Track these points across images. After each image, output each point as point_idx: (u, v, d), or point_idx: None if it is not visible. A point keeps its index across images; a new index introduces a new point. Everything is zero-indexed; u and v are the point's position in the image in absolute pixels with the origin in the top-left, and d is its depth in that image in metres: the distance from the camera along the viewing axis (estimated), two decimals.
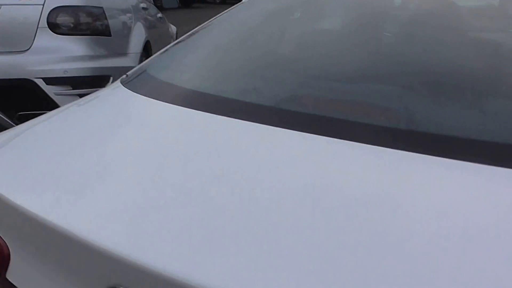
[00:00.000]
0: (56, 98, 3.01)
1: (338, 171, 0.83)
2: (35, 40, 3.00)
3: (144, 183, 0.84)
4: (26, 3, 3.00)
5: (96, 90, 3.21)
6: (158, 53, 1.54)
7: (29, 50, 2.99)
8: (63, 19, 3.07)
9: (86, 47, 3.15)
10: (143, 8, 4.35)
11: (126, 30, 3.68)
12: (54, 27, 3.04)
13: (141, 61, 3.75)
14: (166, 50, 1.52)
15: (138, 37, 3.83)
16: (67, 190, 0.85)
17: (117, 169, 0.91)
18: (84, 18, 3.15)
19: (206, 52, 1.49)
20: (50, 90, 2.98)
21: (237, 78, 1.31)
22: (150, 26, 4.35)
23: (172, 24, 6.38)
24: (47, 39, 3.02)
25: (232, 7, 1.75)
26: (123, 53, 3.52)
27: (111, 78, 3.30)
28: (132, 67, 3.59)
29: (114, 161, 0.94)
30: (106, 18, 3.29)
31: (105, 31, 3.29)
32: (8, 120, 3.01)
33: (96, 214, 0.78)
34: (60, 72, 3.00)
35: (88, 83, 3.14)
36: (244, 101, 1.12)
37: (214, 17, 1.70)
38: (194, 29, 1.62)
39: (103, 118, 1.20)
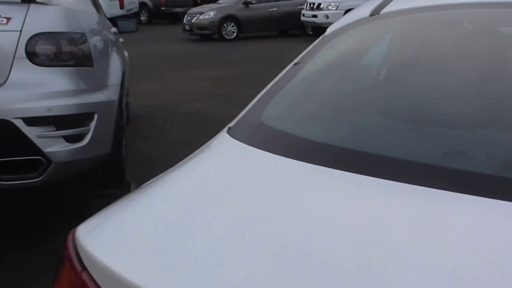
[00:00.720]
0: (38, 142, 2.51)
1: None
2: (11, 72, 2.50)
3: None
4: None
5: (81, 130, 2.77)
6: (265, 97, 1.18)
7: (4, 85, 2.49)
8: (43, 47, 2.59)
9: (70, 80, 2.68)
10: (114, 33, 3.90)
11: (106, 59, 3.23)
12: (33, 57, 2.55)
13: (119, 93, 3.29)
14: (280, 94, 1.17)
15: (116, 66, 3.38)
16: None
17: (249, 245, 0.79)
18: (66, 47, 2.68)
19: (336, 96, 1.16)
20: (32, 133, 2.48)
21: (393, 130, 1.04)
22: (121, 53, 3.91)
23: None
24: (26, 72, 2.52)
25: (329, 34, 1.41)
26: (104, 85, 3.07)
27: (96, 115, 2.84)
28: (113, 101, 3.16)
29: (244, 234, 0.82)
30: (88, 46, 2.83)
31: (88, 61, 2.83)
32: None
33: None
34: (43, 110, 2.51)
35: (73, 122, 2.67)
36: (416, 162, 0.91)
37: (312, 50, 1.36)
38: (302, 67, 1.27)
39: (236, 187, 0.96)
